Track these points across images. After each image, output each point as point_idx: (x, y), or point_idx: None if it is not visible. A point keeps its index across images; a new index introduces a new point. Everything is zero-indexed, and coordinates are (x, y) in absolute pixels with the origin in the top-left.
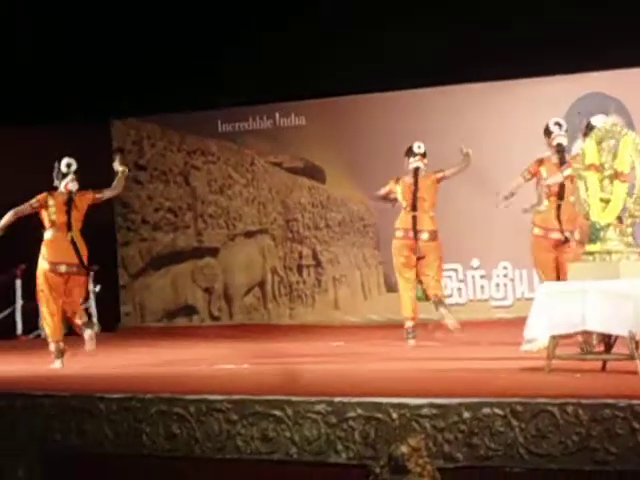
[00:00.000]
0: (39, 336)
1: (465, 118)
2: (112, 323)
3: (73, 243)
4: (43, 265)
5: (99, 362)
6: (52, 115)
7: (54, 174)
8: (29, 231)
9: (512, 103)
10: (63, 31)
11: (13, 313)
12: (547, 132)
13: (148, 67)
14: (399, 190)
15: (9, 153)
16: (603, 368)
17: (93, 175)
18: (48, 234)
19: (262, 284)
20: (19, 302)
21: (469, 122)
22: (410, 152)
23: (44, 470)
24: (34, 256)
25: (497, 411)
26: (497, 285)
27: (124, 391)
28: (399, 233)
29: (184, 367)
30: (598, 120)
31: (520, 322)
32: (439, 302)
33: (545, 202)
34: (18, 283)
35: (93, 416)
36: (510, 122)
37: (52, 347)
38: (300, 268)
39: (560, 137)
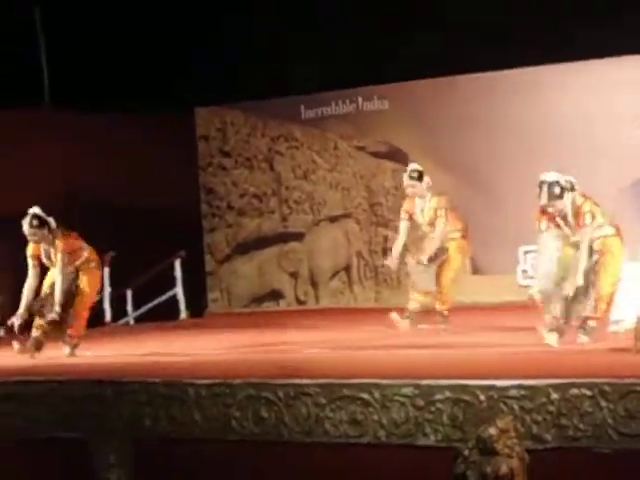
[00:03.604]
0: (127, 324)
1: (545, 99)
2: (200, 309)
3: None
4: None
5: (188, 348)
6: (139, 104)
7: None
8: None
9: (592, 84)
10: (149, 21)
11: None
12: None
13: (232, 55)
14: None
15: (91, 141)
16: None
17: (179, 163)
18: None
19: (347, 268)
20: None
21: (550, 103)
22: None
23: (135, 456)
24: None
25: (585, 392)
26: None
27: (213, 377)
28: (458, 234)
29: (272, 352)
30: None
31: None
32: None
33: None
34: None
35: (182, 402)
36: (590, 102)
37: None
38: (385, 251)
39: None
